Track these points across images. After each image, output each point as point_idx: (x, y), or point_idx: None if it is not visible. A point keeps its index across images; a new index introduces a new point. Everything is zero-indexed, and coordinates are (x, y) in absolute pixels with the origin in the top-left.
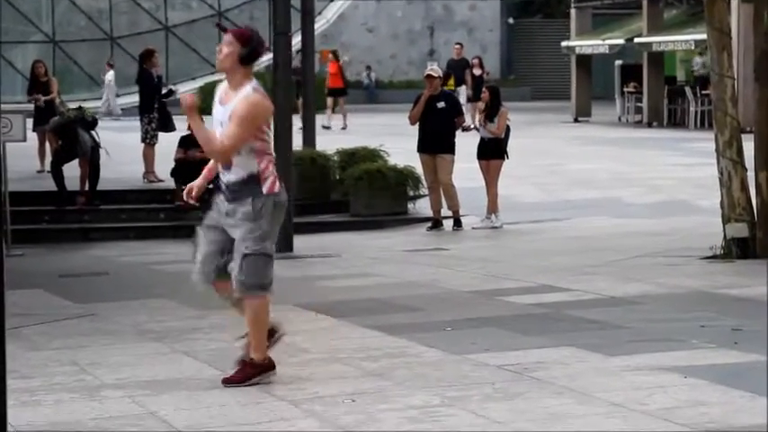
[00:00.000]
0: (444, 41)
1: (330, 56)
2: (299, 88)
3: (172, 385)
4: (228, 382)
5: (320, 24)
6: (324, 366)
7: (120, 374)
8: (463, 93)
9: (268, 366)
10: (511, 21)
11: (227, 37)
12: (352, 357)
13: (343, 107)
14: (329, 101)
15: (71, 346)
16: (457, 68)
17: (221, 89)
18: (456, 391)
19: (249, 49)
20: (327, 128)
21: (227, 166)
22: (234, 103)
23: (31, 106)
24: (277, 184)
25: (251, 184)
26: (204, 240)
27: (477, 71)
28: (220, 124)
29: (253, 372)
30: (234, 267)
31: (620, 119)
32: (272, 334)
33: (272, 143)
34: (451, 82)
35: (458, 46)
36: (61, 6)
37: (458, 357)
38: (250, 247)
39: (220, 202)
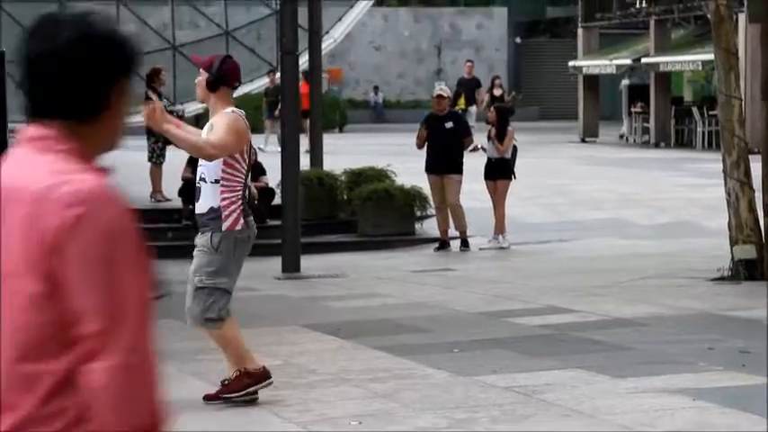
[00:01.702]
0: (452, 60)
1: (304, 77)
2: (273, 108)
3: (180, 406)
4: (215, 395)
5: (327, 43)
6: (331, 387)
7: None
8: (474, 113)
9: (263, 375)
10: (518, 40)
11: (201, 70)
12: (360, 378)
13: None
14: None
15: None
16: (468, 87)
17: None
18: (464, 412)
19: (213, 73)
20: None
21: (198, 197)
22: (208, 127)
23: None
24: (240, 221)
25: (213, 218)
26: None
27: (497, 91)
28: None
29: (248, 382)
30: (187, 299)
31: (626, 139)
32: (265, 378)
33: (245, 177)
34: (462, 101)
35: (469, 63)
36: None
37: (465, 379)
38: (203, 280)
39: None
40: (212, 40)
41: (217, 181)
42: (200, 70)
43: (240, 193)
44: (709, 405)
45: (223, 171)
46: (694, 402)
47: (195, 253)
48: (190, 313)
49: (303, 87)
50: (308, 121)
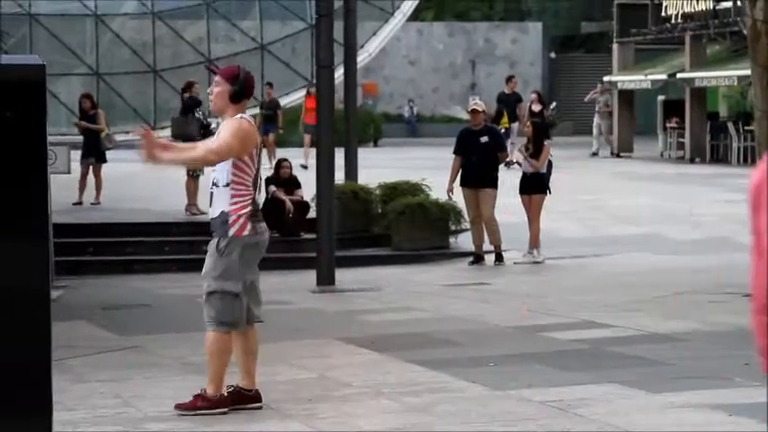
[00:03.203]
0: (486, 75)
1: (312, 90)
2: (268, 123)
3: (215, 418)
4: (178, 407)
5: (362, 58)
6: (366, 401)
7: (164, 407)
8: (516, 129)
9: (218, 402)
10: (553, 55)
11: (216, 78)
12: (395, 392)
13: (309, 145)
14: (306, 138)
15: (114, 378)
16: (508, 103)
17: None
18: (499, 427)
19: (238, 86)
20: (305, 167)
21: (210, 202)
22: (220, 128)
23: (78, 138)
24: (248, 227)
25: (221, 222)
26: None
27: (536, 107)
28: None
29: (202, 405)
30: (204, 301)
31: (662, 154)
32: (255, 399)
33: (254, 182)
34: (505, 120)
35: (513, 79)
36: (105, 39)
37: (501, 393)
38: (211, 285)
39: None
40: (247, 54)
41: (228, 184)
42: (218, 80)
43: (249, 198)
44: (745, 421)
45: (233, 174)
46: (731, 418)
47: (207, 256)
48: (206, 316)
49: (309, 102)
50: (309, 137)
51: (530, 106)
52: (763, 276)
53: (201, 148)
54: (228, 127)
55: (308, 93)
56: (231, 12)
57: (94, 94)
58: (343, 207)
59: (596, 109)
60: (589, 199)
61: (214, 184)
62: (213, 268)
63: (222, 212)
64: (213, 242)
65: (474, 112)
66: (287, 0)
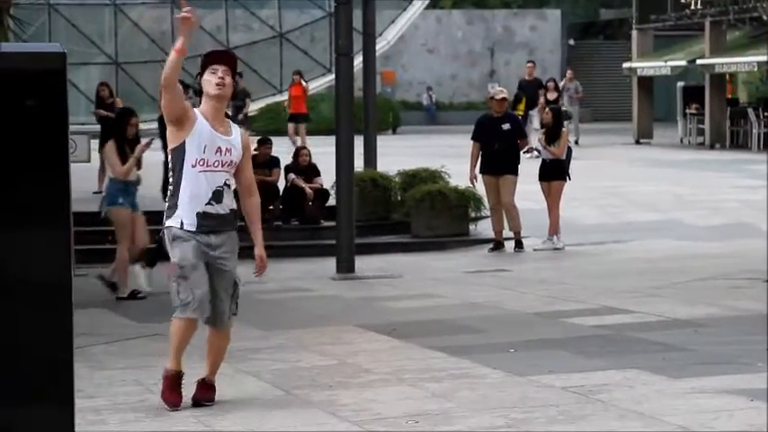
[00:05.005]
0: (505, 62)
1: (296, 77)
2: (236, 113)
3: (236, 405)
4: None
5: (381, 45)
6: (387, 387)
7: (185, 394)
8: (536, 116)
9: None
10: (572, 42)
11: (225, 67)
12: (416, 378)
13: (304, 135)
14: (290, 127)
15: (135, 365)
16: (528, 89)
17: (200, 113)
18: (520, 413)
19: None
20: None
21: (219, 199)
22: (237, 137)
23: (96, 127)
24: None
25: (234, 218)
26: (200, 276)
27: (552, 95)
28: (218, 151)
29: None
30: (228, 299)
31: (681, 141)
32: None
33: None
34: (522, 106)
35: (530, 65)
36: (124, 28)
37: (521, 379)
38: (239, 279)
39: (201, 237)
40: (266, 43)
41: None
42: (228, 70)
43: None
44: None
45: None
46: (752, 403)
47: (229, 256)
48: (231, 313)
49: (296, 90)
50: (303, 126)
51: (545, 94)
52: None
53: (255, 199)
54: (249, 151)
55: (292, 81)
56: (249, 0)
57: (113, 83)
58: (363, 194)
59: (567, 95)
60: (609, 185)
61: (227, 185)
62: (236, 262)
63: (232, 210)
64: (234, 236)
65: (502, 99)
66: None
